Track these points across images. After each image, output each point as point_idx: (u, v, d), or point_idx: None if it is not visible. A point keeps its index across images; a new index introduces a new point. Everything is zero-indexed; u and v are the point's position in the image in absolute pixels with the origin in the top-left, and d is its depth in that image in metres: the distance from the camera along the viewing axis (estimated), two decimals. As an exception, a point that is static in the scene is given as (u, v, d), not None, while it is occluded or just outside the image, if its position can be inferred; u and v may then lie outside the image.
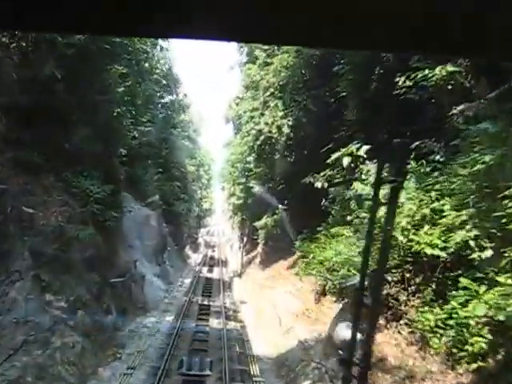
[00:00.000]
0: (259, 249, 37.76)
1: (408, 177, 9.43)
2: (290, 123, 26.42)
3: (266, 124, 27.08)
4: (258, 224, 36.72)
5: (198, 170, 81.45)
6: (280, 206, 35.05)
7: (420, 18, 0.74)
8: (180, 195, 44.85)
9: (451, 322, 7.42)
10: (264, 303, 23.44)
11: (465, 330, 7.03)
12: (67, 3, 0.76)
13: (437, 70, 10.60)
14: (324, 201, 22.09)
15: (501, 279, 6.61)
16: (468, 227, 7.70)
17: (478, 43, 0.80)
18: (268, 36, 0.80)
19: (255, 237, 38.49)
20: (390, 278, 10.07)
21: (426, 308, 8.73)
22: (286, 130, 26.56)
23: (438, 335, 7.84)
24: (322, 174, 22.38)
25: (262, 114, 27.67)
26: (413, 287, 9.99)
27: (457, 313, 7.28)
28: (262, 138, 27.36)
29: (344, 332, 7.90)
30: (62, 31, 1.01)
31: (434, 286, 8.88)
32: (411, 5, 0.73)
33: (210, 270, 36.78)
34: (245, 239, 50.46)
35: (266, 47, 25.50)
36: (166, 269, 31.14)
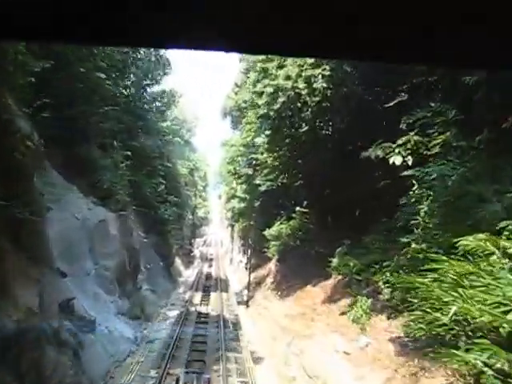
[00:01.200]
0: (271, 266, 27.65)
1: None
2: (327, 73, 16.51)
3: (288, 78, 17.22)
4: (268, 233, 26.66)
5: (192, 174, 71.57)
6: (298, 208, 25.14)
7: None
8: (167, 197, 34.87)
9: None
10: (298, 373, 13.21)
11: None
12: (66, 13, 0.73)
13: None
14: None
15: None
16: None
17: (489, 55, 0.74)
18: (270, 47, 0.77)
19: (264, 250, 28.45)
20: None
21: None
22: (319, 84, 16.63)
23: None
24: (400, 141, 12.46)
25: (281, 67, 17.82)
26: None
27: None
28: (281, 100, 17.46)
29: None
30: (61, 41, 0.86)
31: None
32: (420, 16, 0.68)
33: (205, 298, 26.30)
34: (249, 251, 40.34)
35: None
36: (140, 299, 20.91)
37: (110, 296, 16.92)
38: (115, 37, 0.78)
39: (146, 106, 30.10)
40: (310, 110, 17.82)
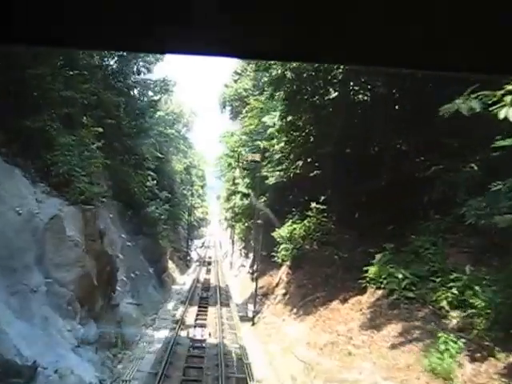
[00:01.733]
0: (282, 273, 22.82)
1: None
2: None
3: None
4: (278, 234, 21.84)
5: (189, 172, 66.79)
6: (314, 204, 20.34)
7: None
8: (159, 193, 30.06)
9: None
10: None
11: None
12: (66, 17, 0.74)
13: None
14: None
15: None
16: None
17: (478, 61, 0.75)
18: (272, 53, 0.77)
19: (272, 254, 23.69)
20: None
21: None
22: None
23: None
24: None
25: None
26: None
27: None
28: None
29: None
30: (59, 45, 0.84)
31: None
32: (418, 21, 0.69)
33: (202, 315, 21.23)
34: (254, 256, 35.75)
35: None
36: (116, 319, 16.08)
37: (67, 321, 12.06)
38: (117, 42, 0.77)
39: (131, 82, 25.23)
40: (341, 68, 13.02)
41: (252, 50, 0.75)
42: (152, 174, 28.53)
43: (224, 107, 49.38)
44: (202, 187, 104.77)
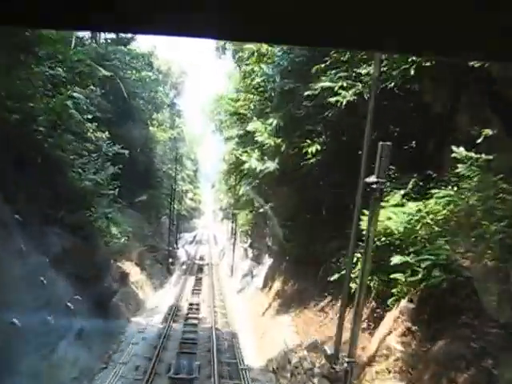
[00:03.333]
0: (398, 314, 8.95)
1: None
2: None
3: None
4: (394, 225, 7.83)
5: (175, 148, 52.27)
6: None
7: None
8: (110, 147, 15.88)
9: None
10: None
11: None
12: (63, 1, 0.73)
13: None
14: None
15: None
16: None
17: (477, 43, 0.73)
18: (267, 35, 0.77)
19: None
20: None
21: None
22: None
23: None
24: None
25: None
26: None
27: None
28: None
29: None
30: (54, 27, 1.15)
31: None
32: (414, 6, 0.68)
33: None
34: (265, 261, 21.97)
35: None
36: None
37: None
38: (114, 25, 0.77)
39: None
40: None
41: (242, 33, 0.73)
42: (92, 108, 14.27)
43: (224, 52, 35.35)
44: (195, 172, 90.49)
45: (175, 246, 43.30)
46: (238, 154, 17.65)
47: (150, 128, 37.32)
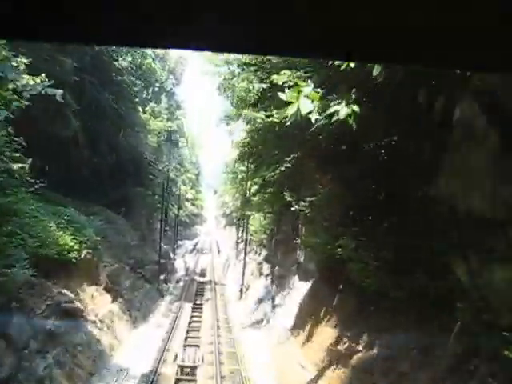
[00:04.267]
0: None
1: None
2: None
3: None
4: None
5: (175, 144, 45.20)
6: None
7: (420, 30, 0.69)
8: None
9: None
10: None
11: None
12: (66, 9, 0.73)
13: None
14: None
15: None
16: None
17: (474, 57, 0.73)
18: (268, 47, 0.79)
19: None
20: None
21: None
22: None
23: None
24: None
25: None
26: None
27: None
28: None
29: None
30: (69, 42, 0.96)
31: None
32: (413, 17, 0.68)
33: None
34: (298, 287, 14.57)
35: None
36: None
37: None
38: (125, 39, 0.76)
39: None
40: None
41: (239, 46, 0.74)
42: None
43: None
44: (197, 176, 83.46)
45: (172, 256, 36.06)
46: (260, 114, 10.41)
47: (143, 115, 30.39)
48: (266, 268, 21.67)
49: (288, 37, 0.70)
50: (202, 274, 30.77)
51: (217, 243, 59.97)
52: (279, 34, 0.69)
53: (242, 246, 42.64)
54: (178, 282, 26.90)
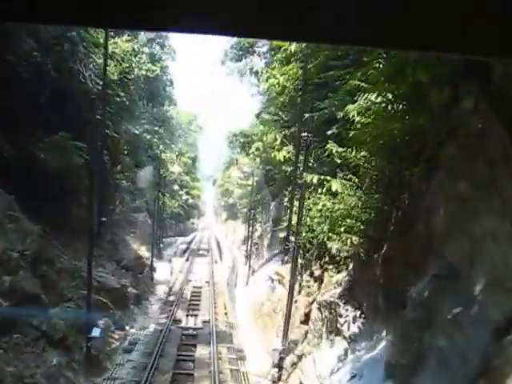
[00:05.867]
0: None
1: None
2: None
3: None
4: None
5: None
6: None
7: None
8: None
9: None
10: None
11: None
12: None
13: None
14: None
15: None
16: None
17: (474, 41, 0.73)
18: (261, 31, 0.76)
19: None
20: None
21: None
22: None
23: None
24: None
25: None
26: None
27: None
28: None
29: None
30: (63, 23, 0.82)
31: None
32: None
33: None
34: None
35: None
36: None
37: None
38: (111, 19, 0.75)
39: None
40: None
41: (248, 30, 0.73)
42: None
43: None
44: (193, 161, 69.70)
45: (151, 262, 22.77)
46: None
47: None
48: (351, 316, 8.36)
49: (288, 21, 0.68)
50: (195, 299, 17.40)
51: (217, 241, 46.66)
52: (279, 19, 0.67)
53: (252, 246, 29.39)
54: (142, 329, 13.24)
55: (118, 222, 22.59)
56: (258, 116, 25.24)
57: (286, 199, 20.34)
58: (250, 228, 26.76)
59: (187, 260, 30.18)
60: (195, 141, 71.68)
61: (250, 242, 25.94)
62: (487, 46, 0.71)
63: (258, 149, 15.99)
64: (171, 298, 17.03)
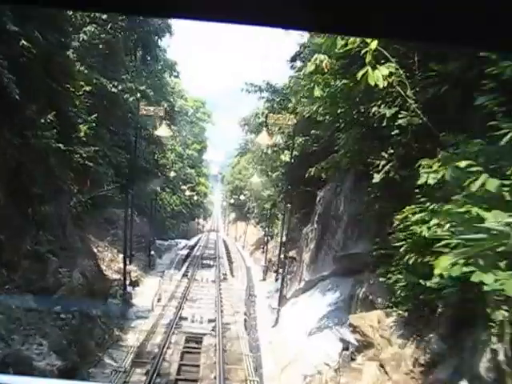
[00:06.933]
0: None
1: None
2: None
3: None
4: None
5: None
6: None
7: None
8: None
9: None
10: None
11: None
12: None
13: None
14: None
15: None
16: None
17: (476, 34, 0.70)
18: (267, 18, 0.70)
19: None
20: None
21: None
22: None
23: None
24: None
25: None
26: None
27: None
28: None
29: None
30: (69, 8, 0.69)
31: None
32: None
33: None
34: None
35: None
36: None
37: None
38: (126, 6, 0.70)
39: None
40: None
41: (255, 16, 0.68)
42: None
43: None
44: (199, 151, 61.29)
45: (124, 288, 13.82)
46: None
47: None
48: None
49: (289, 9, 0.65)
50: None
51: (226, 247, 37.65)
52: (280, 5, 0.65)
53: (274, 253, 20.38)
54: None
55: (78, 218, 13.92)
56: (294, 59, 16.31)
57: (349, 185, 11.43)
58: (281, 230, 17.81)
59: (185, 275, 21.13)
60: (202, 131, 63.00)
61: (280, 252, 16.94)
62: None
63: (318, 65, 7.09)
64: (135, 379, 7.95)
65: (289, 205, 17.93)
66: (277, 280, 18.39)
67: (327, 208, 12.76)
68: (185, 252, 31.35)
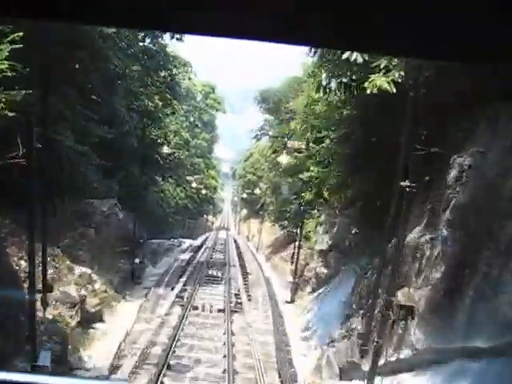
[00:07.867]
0: None
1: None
2: None
3: None
4: None
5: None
6: None
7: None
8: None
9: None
10: None
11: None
12: None
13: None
14: None
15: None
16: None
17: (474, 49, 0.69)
18: (268, 34, 0.71)
19: None
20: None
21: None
22: None
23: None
24: None
25: None
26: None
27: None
28: None
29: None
30: (62, 20, 0.77)
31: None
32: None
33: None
34: None
35: None
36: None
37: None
38: (118, 18, 0.71)
39: None
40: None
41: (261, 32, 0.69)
42: None
43: None
44: (209, 142, 54.32)
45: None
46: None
47: None
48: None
49: (288, 24, 0.66)
50: None
51: (238, 250, 30.24)
52: (280, 22, 0.66)
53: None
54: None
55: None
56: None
57: None
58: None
59: (180, 298, 13.85)
60: (213, 119, 56.07)
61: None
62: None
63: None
64: None
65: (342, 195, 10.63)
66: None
67: (484, 194, 5.43)
68: (187, 256, 24.36)
